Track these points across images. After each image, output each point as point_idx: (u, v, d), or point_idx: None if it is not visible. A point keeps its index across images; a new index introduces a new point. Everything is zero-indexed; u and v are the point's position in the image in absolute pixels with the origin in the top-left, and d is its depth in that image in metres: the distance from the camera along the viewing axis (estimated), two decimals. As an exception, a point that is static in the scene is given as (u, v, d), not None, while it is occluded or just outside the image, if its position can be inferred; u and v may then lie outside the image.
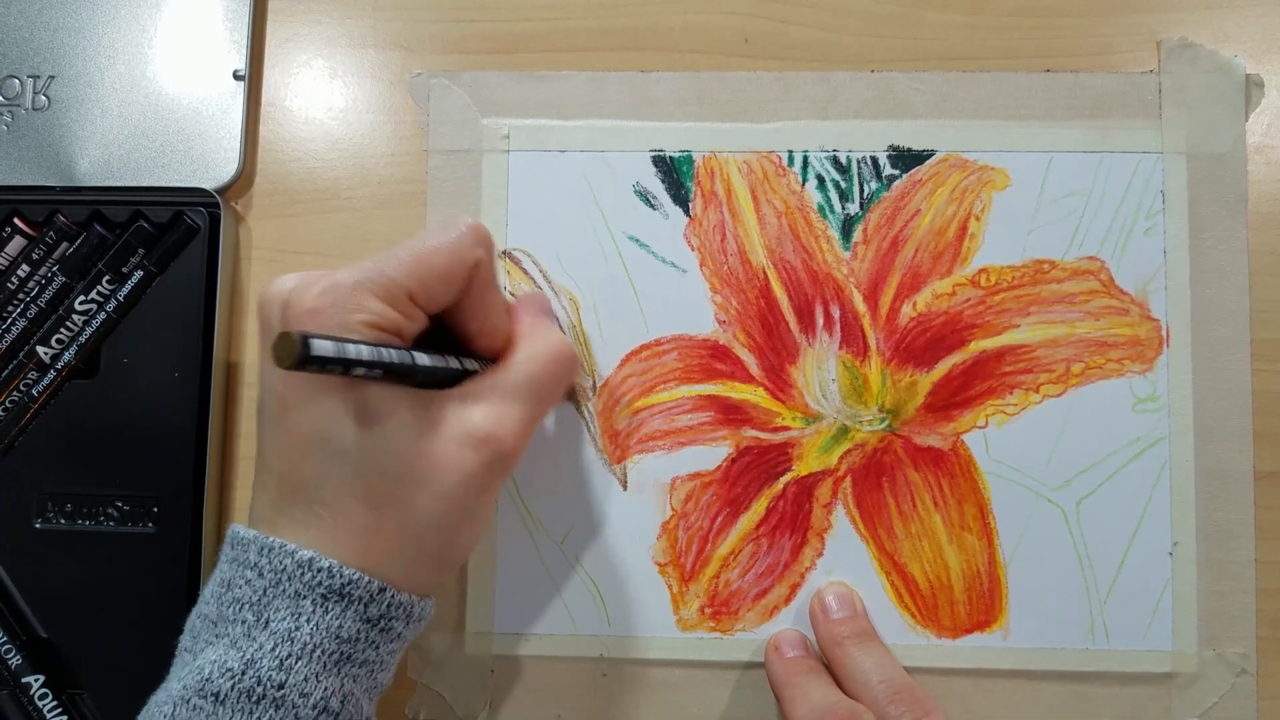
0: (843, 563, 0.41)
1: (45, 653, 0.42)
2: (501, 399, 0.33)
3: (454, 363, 0.34)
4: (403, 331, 0.32)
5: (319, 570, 0.31)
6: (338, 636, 0.31)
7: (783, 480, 0.41)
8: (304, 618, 0.31)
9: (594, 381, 0.42)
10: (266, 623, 0.31)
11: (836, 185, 0.42)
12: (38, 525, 0.42)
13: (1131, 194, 0.42)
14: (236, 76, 0.44)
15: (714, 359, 0.42)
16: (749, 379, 0.42)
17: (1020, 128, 0.42)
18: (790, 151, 0.43)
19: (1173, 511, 0.40)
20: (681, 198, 0.43)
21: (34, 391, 0.42)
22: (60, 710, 0.41)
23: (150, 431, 0.42)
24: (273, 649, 0.30)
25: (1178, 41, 0.42)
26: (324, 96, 0.44)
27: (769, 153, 0.43)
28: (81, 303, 0.42)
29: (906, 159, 0.42)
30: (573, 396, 0.42)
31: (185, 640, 0.33)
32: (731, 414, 0.42)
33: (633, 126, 0.43)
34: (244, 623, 0.31)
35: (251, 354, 0.43)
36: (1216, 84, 0.42)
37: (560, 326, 0.42)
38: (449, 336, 0.35)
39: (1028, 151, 0.42)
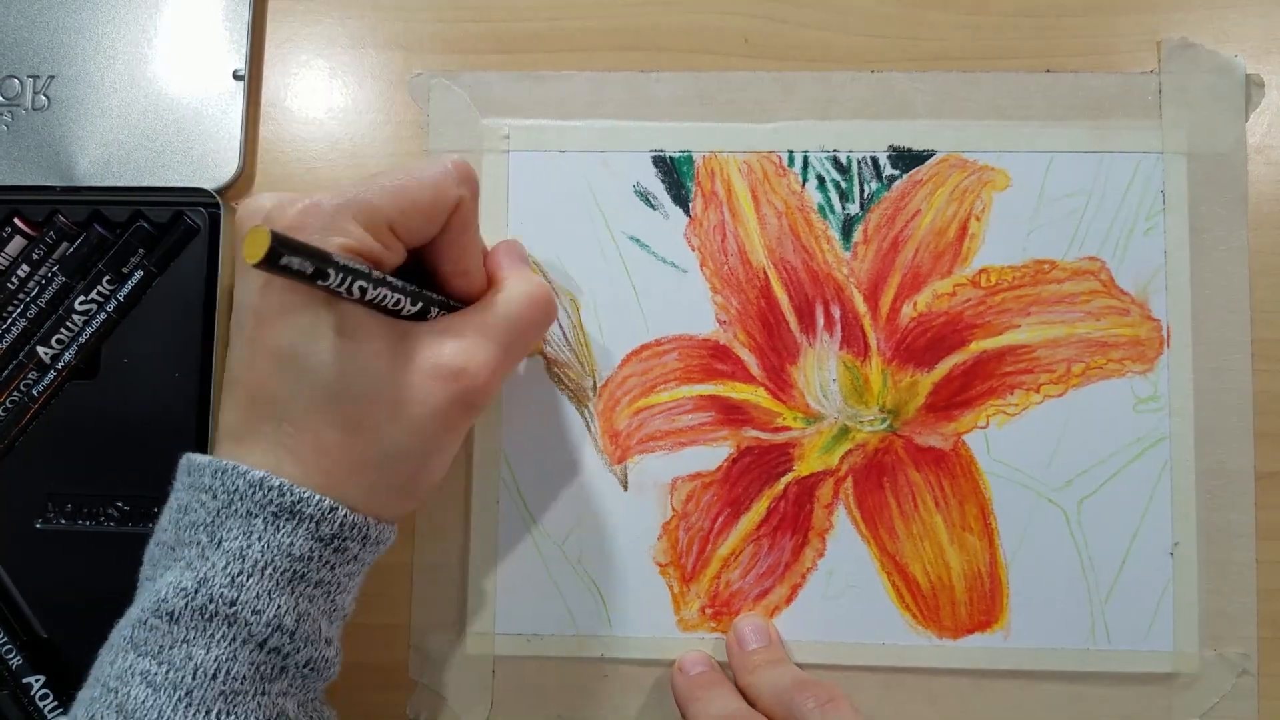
0: (843, 563, 0.41)
1: (46, 653, 0.41)
2: (476, 336, 0.33)
3: (411, 288, 0.34)
4: (381, 262, 0.32)
5: (270, 489, 0.31)
6: (289, 554, 0.31)
7: (784, 480, 0.41)
8: (255, 535, 0.31)
9: (594, 381, 0.42)
10: (219, 542, 0.31)
11: (837, 185, 0.42)
12: (38, 525, 0.42)
13: (1132, 194, 0.42)
14: (236, 76, 0.44)
15: (714, 359, 0.42)
16: (750, 379, 0.42)
17: (1020, 128, 0.42)
18: (790, 152, 0.43)
19: (1173, 511, 0.40)
20: (682, 198, 0.43)
21: (34, 392, 0.42)
22: (61, 711, 0.41)
23: (150, 431, 0.42)
24: (224, 567, 0.30)
25: (1178, 41, 0.42)
26: (324, 96, 0.44)
27: (769, 153, 0.43)
28: (81, 303, 0.42)
29: (907, 159, 0.42)
30: (542, 353, 0.42)
31: (145, 569, 0.33)
32: (732, 414, 0.42)
33: (633, 126, 0.43)
34: (198, 544, 0.31)
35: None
36: (1217, 84, 0.42)
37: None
38: (424, 276, 0.35)
39: (1028, 152, 0.42)
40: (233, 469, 0.31)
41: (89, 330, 0.42)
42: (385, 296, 0.32)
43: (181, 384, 0.42)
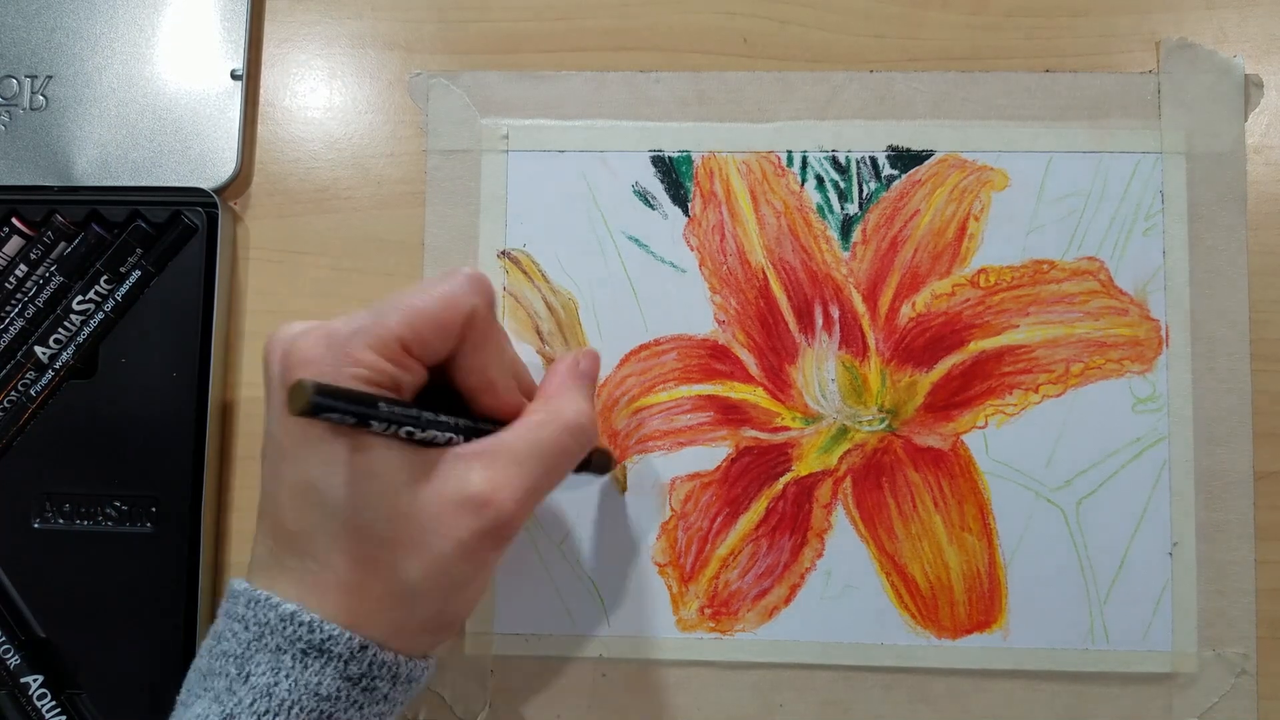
0: (842, 563, 0.41)
1: (44, 653, 0.41)
2: (504, 463, 0.32)
3: (462, 422, 0.33)
4: (399, 385, 0.31)
5: (300, 624, 0.30)
6: (316, 694, 0.30)
7: (782, 480, 0.41)
8: (283, 673, 0.30)
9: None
10: (247, 677, 0.30)
11: (835, 185, 0.42)
12: (36, 525, 0.42)
13: (1131, 194, 0.42)
14: (234, 76, 0.44)
15: (713, 359, 0.42)
16: (748, 379, 0.42)
17: (1019, 128, 0.42)
18: (789, 151, 0.42)
19: (1172, 512, 0.40)
20: (681, 198, 0.43)
21: (32, 391, 0.42)
22: (59, 710, 0.41)
23: (148, 431, 0.42)
24: (251, 704, 0.30)
25: (1177, 42, 0.42)
26: (322, 96, 0.44)
27: (768, 153, 0.43)
28: (79, 302, 0.42)
29: (905, 159, 0.42)
30: (589, 468, 0.39)
31: (181, 694, 0.32)
32: (731, 414, 0.42)
33: (632, 126, 0.43)
34: (227, 676, 0.30)
35: (249, 354, 0.43)
36: (1216, 84, 0.42)
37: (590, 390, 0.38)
38: (451, 392, 0.34)
39: (1027, 152, 0.42)
40: (265, 600, 0.31)
41: (87, 330, 0.42)
42: (435, 437, 0.32)
43: (179, 384, 0.42)
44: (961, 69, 0.43)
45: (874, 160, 0.42)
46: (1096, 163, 0.42)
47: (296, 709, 0.30)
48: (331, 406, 0.29)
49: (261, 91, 0.45)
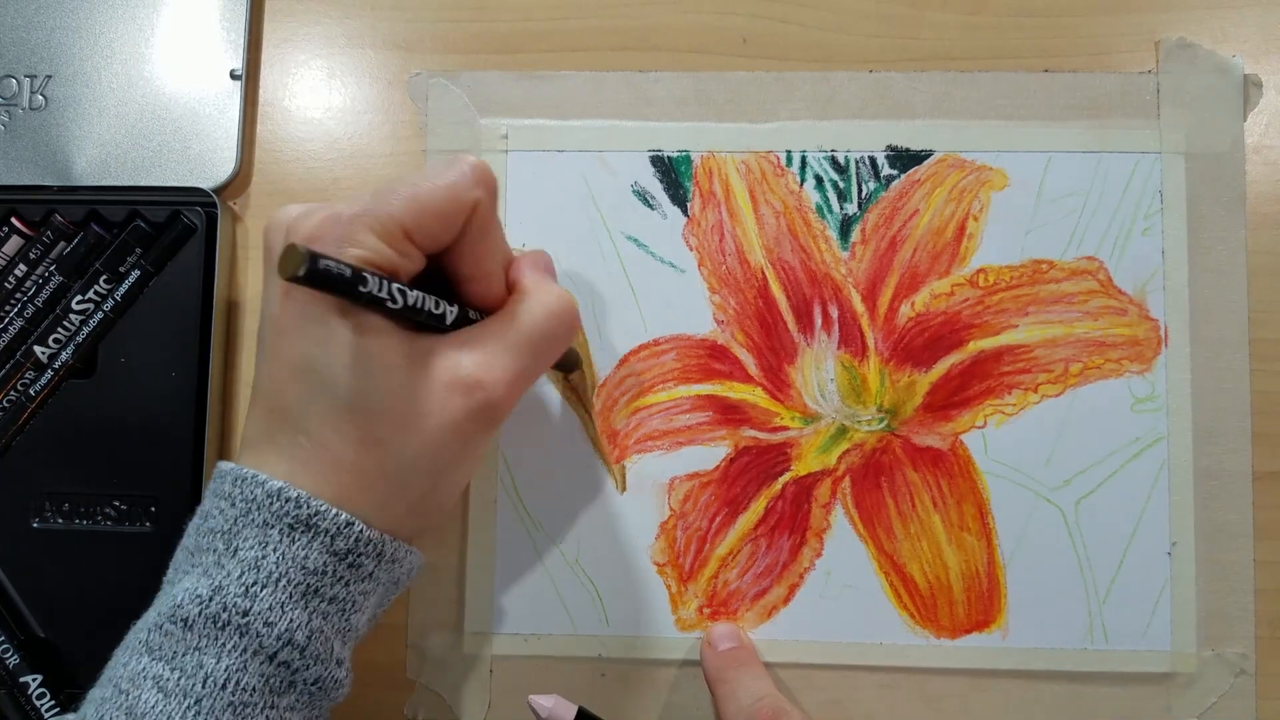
0: (841, 563, 0.41)
1: (43, 652, 0.41)
2: (496, 347, 0.33)
3: (454, 308, 0.33)
4: (398, 270, 0.32)
5: (287, 500, 0.31)
6: (304, 568, 0.31)
7: (781, 480, 0.41)
8: (270, 546, 0.31)
9: (592, 381, 0.42)
10: (235, 551, 0.31)
11: (835, 185, 0.42)
12: (35, 525, 0.42)
13: (1130, 194, 0.42)
14: (234, 76, 0.44)
15: (712, 359, 0.42)
16: (747, 379, 0.42)
17: (1019, 128, 0.42)
18: (788, 151, 0.42)
19: (1171, 511, 0.40)
20: (680, 198, 0.43)
21: (31, 391, 0.42)
22: (58, 710, 0.41)
23: (147, 431, 0.42)
24: (239, 576, 0.30)
25: (1176, 41, 0.42)
26: (322, 96, 0.44)
27: (767, 153, 0.43)
28: (79, 302, 0.42)
29: (905, 159, 0.42)
30: (565, 364, 0.41)
31: (169, 573, 0.33)
32: (730, 414, 0.42)
33: (631, 126, 0.43)
34: (215, 551, 0.31)
35: (249, 354, 0.43)
36: (1215, 84, 0.42)
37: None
38: (443, 281, 0.35)
39: (1026, 151, 0.42)
40: (251, 477, 0.31)
41: (86, 330, 0.42)
42: (426, 315, 0.32)
43: (178, 383, 0.42)
44: (961, 69, 0.43)
45: (873, 160, 0.42)
46: (1096, 162, 0.42)
47: (284, 581, 0.30)
48: (325, 271, 0.29)
49: (261, 91, 0.45)
